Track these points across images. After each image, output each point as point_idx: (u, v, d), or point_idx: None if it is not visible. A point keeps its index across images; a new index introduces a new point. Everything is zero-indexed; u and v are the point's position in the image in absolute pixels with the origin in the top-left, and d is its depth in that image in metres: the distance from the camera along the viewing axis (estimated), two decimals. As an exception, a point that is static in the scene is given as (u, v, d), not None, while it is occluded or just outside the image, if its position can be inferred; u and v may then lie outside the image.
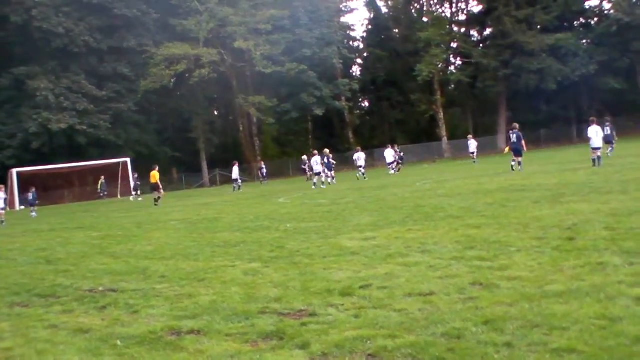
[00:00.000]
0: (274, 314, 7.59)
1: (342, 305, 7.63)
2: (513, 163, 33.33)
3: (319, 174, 41.97)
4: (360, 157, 49.04)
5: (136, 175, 57.65)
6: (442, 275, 8.68)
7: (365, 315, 7.02)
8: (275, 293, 8.67)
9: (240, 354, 6.17)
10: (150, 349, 6.71)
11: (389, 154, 52.43)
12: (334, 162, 46.89)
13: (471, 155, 55.76)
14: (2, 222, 35.64)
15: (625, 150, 38.42)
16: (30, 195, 46.17)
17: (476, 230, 12.46)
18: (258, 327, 7.03)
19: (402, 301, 7.49)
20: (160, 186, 42.03)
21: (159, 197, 40.88)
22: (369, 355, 5.73)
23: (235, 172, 52.91)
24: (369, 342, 6.04)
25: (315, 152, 44.20)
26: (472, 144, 55.70)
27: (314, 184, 41.19)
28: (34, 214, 42.73)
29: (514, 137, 33.72)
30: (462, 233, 12.31)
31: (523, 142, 33.66)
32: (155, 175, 41.28)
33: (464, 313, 6.63)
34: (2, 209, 36.78)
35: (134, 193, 55.80)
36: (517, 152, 33.42)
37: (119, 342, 7.05)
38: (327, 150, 45.28)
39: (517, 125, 34.83)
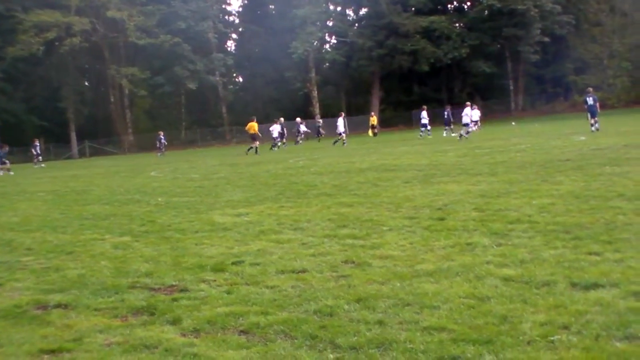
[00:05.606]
0: (144, 288, 7.47)
1: (214, 281, 7.57)
2: (593, 122, 35.58)
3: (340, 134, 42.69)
4: (340, 123, 49.72)
5: (7, 149, 55.26)
6: (315, 252, 8.70)
7: (238, 292, 6.97)
8: (146, 267, 8.53)
9: (109, 328, 6.02)
10: (15, 323, 6.49)
11: (276, 129, 51.74)
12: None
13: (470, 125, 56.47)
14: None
15: (494, 134, 39.43)
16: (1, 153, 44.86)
17: (348, 209, 12.55)
18: (128, 302, 6.89)
19: (274, 278, 7.48)
20: (259, 135, 45.79)
21: (255, 147, 43.31)
22: (241, 331, 5.68)
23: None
24: (241, 318, 5.99)
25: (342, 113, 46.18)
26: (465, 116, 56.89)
27: (342, 141, 41.45)
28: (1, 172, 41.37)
29: (590, 100, 36.26)
30: (334, 211, 12.38)
31: (597, 104, 36.26)
32: (253, 126, 44.95)
33: (337, 291, 6.66)
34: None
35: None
36: (593, 113, 35.73)
37: (-20, 317, 6.78)
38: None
39: (591, 89, 38.33)
